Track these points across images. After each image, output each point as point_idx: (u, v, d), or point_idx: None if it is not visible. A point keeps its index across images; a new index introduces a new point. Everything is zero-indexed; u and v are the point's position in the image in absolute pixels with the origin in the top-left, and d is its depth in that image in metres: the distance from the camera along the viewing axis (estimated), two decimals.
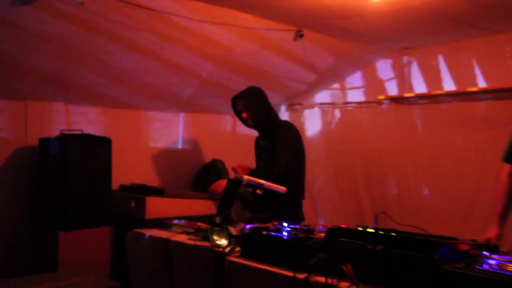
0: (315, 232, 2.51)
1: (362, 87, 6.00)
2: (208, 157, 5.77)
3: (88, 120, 4.95)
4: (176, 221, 3.48)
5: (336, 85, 6.22)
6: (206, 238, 2.80)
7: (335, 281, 1.96)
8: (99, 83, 4.69)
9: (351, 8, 4.06)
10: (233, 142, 5.97)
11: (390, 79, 5.75)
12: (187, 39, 4.42)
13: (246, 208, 3.04)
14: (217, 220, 2.83)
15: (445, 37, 5.04)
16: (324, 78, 6.00)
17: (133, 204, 4.48)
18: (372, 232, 2.23)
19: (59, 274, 3.90)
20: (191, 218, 3.65)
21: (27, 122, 4.58)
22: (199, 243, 2.88)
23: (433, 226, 2.58)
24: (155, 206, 4.38)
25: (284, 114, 6.36)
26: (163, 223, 3.50)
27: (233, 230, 2.73)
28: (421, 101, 5.42)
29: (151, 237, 3.28)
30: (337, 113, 6.18)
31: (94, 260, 4.24)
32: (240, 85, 4.21)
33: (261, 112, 3.97)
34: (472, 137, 4.92)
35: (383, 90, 5.78)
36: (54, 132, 4.48)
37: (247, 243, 2.57)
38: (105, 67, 4.50)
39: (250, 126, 4.07)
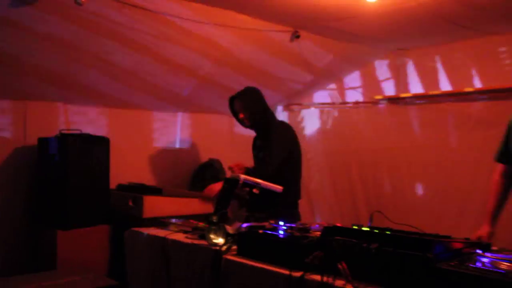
0: (310, 231, 2.52)
1: (359, 87, 6.02)
2: (205, 157, 5.78)
3: (86, 120, 4.97)
4: (173, 220, 3.48)
5: (333, 85, 6.24)
6: (203, 236, 2.81)
7: (330, 279, 1.96)
8: (97, 83, 4.70)
9: (347, 9, 4.08)
10: (230, 142, 5.98)
11: (387, 79, 5.77)
12: (185, 39, 4.44)
13: (243, 207, 3.07)
14: (214, 219, 2.83)
15: (441, 38, 5.06)
16: (321, 78, 6.02)
17: (131, 203, 4.49)
18: (367, 231, 2.23)
19: (57, 273, 3.91)
20: (188, 217, 3.65)
21: (26, 121, 4.59)
22: (196, 241, 2.89)
23: (427, 225, 2.60)
24: (153, 205, 4.40)
25: (281, 114, 6.37)
26: (160, 222, 3.51)
27: (229, 229, 2.73)
28: (418, 101, 5.44)
29: (148, 236, 3.29)
30: (334, 113, 6.19)
31: (92, 258, 4.25)
32: (238, 85, 4.22)
33: (258, 113, 3.97)
34: (467, 137, 4.95)
35: (379, 90, 5.80)
36: (53, 132, 4.48)
37: (243, 242, 2.57)
38: (104, 67, 4.51)
39: (246, 126, 4.07)
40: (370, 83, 5.92)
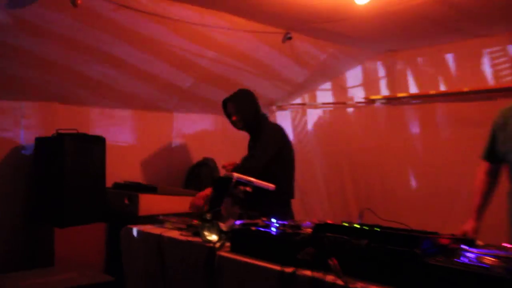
0: (302, 228, 2.54)
1: (354, 87, 6.04)
2: (199, 156, 5.80)
3: (83, 120, 4.98)
4: (168, 217, 3.50)
5: (327, 85, 6.26)
6: (198, 234, 2.83)
7: (321, 275, 1.99)
8: (94, 82, 4.72)
9: (338, 11, 4.11)
10: (224, 141, 5.99)
11: (381, 78, 5.80)
12: (180, 40, 4.48)
13: (236, 204, 3.10)
14: (208, 216, 2.85)
15: (428, 41, 5.13)
16: (315, 79, 6.05)
17: (126, 201, 4.53)
18: (357, 228, 2.27)
19: (55, 269, 3.95)
20: (182, 215, 3.67)
21: (23, 121, 4.62)
22: (190, 238, 2.91)
23: (415, 222, 2.63)
24: (148, 203, 4.45)
25: (275, 114, 6.40)
26: (156, 220, 3.52)
27: (223, 226, 2.76)
28: (414, 101, 5.48)
29: (144, 233, 3.32)
30: (328, 113, 6.23)
31: (89, 255, 4.29)
32: (232, 86, 4.26)
33: (250, 115, 3.97)
34: (456, 136, 5.01)
35: (374, 90, 5.83)
36: (50, 131, 4.49)
37: (237, 239, 2.60)
38: (101, 65, 4.53)
39: (239, 128, 4.08)
40: (366, 82, 5.93)
